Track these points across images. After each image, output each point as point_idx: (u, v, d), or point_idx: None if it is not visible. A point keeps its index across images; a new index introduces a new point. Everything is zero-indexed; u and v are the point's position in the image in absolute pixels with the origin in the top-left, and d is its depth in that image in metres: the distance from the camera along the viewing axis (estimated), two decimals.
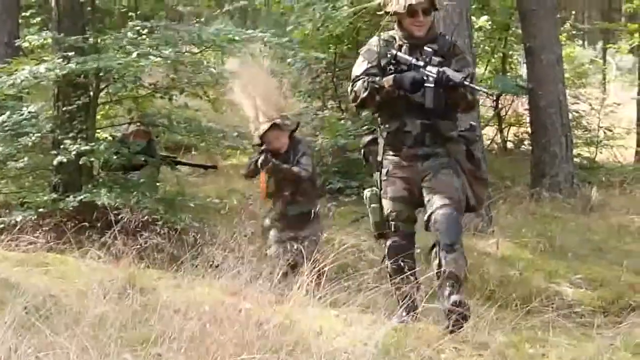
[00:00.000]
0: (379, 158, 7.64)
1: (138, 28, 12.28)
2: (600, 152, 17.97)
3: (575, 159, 15.89)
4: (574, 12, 23.83)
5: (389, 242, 7.61)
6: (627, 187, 15.55)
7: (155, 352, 6.38)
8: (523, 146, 19.05)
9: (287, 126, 9.19)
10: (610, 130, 18.42)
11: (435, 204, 7.21)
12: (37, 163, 11.85)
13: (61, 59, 11.52)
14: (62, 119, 11.96)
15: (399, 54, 7.26)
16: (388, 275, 7.80)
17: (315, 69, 17.84)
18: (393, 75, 7.17)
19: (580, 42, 27.10)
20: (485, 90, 7.40)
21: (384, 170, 7.57)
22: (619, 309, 10.07)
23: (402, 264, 7.34)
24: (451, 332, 7.11)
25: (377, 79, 7.22)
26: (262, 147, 9.31)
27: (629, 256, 12.01)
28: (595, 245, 12.36)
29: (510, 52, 20.02)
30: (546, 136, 15.23)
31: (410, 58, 7.21)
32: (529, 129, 17.89)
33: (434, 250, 7.36)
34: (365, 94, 7.27)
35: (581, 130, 17.71)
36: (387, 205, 7.53)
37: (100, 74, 11.77)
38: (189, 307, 7.63)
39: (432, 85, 7.03)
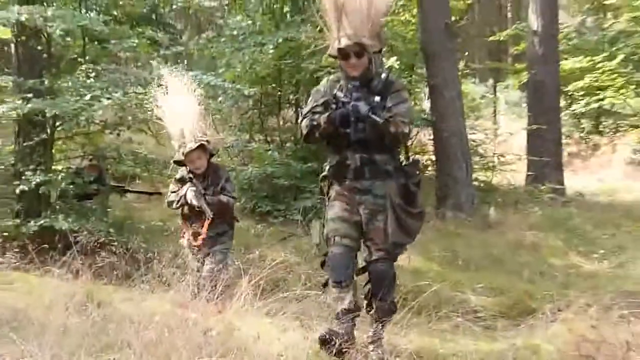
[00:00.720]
0: (325, 189, 7.47)
1: (90, 72, 12.33)
2: (496, 176, 18.11)
3: (474, 182, 16.01)
4: (467, 53, 24.04)
5: (329, 254, 7.23)
6: (520, 207, 15.68)
7: (116, 358, 6.45)
8: (427, 171, 19.16)
9: (210, 149, 9.06)
10: (503, 157, 18.56)
11: (373, 255, 7.06)
12: (0, 192, 11.77)
13: (21, 100, 11.46)
14: (23, 152, 11.90)
15: (337, 93, 7.02)
16: (326, 287, 7.44)
17: (244, 106, 17.90)
18: (328, 113, 7.01)
19: (473, 79, 27.34)
20: (378, 119, 6.62)
21: (328, 198, 7.38)
22: (517, 313, 10.13)
23: (341, 277, 7.03)
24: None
25: (320, 116, 7.07)
26: (184, 173, 9.19)
27: (524, 267, 12.13)
28: (494, 257, 12.44)
29: (416, 89, 20.14)
30: (449, 163, 15.36)
31: (341, 95, 6.98)
32: (432, 157, 18.03)
33: (368, 297, 7.26)
34: (306, 130, 7.16)
35: (478, 157, 17.82)
36: (327, 227, 7.25)
37: (56, 114, 11.67)
38: (143, 318, 7.65)
39: (352, 118, 6.86)
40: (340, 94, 6.94)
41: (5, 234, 11.30)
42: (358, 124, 6.86)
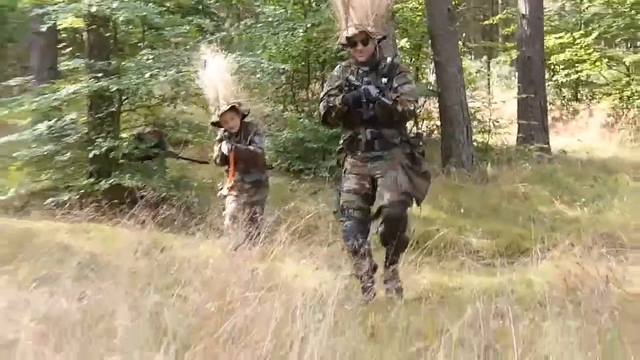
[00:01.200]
0: (341, 161, 7.37)
1: (148, 54, 12.35)
2: (491, 138, 18.02)
3: (473, 143, 15.93)
4: (464, 34, 24.08)
5: (343, 226, 7.19)
6: (512, 163, 15.61)
7: (178, 294, 6.47)
8: (433, 135, 19.05)
9: (241, 110, 8.95)
10: (497, 122, 18.47)
11: (385, 199, 6.91)
12: (77, 157, 11.85)
13: (92, 79, 11.60)
14: (94, 123, 12.04)
15: (349, 77, 6.95)
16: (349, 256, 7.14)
17: (278, 82, 17.90)
18: (342, 95, 6.92)
19: (470, 57, 27.27)
20: (387, 102, 6.66)
21: (343, 170, 7.28)
22: (512, 253, 10.11)
23: (355, 245, 6.94)
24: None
25: (335, 98, 6.97)
26: (222, 133, 9.12)
27: (517, 214, 12.07)
28: (492, 206, 12.40)
29: (423, 65, 20.05)
30: (452, 127, 15.29)
31: (353, 79, 6.94)
32: (437, 122, 17.94)
33: (383, 239, 7.17)
34: (324, 111, 7.05)
35: (476, 122, 17.71)
36: (342, 197, 7.17)
37: (121, 90, 11.83)
38: (199, 260, 7.67)
39: (364, 100, 6.82)
40: (352, 78, 6.87)
41: (82, 191, 11.47)
42: (369, 105, 6.79)
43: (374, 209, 7.16)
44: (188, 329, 5.54)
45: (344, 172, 7.25)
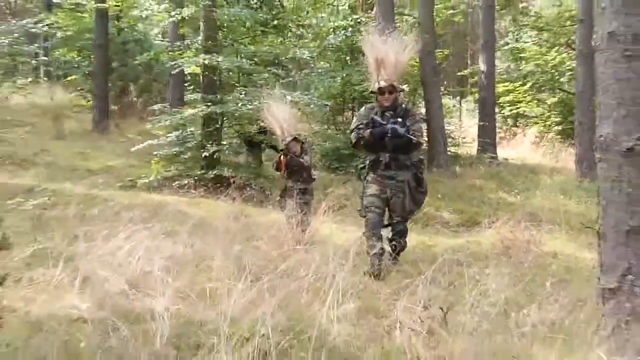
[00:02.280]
0: (363, 176, 7.04)
1: (242, 91, 12.38)
2: (460, 149, 17.85)
3: (448, 153, 15.81)
4: (445, 82, 24.01)
5: (366, 219, 6.79)
6: (473, 166, 15.49)
7: (253, 245, 6.60)
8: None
9: (300, 139, 8.36)
10: (464, 139, 18.39)
11: (394, 219, 6.82)
12: (194, 155, 11.88)
13: (205, 106, 11.63)
14: (205, 134, 11.99)
15: (374, 117, 6.70)
16: (365, 239, 6.84)
17: (324, 110, 17.92)
18: (370, 130, 6.65)
19: (449, 97, 27.06)
20: (413, 138, 6.50)
21: (365, 182, 6.95)
22: (470, 224, 10.04)
23: (373, 233, 6.65)
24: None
25: (364, 131, 6.71)
26: (284, 151, 8.41)
27: (474, 199, 12.01)
28: (458, 194, 12.25)
29: (417, 102, 19.96)
30: (435, 142, 15.17)
31: (379, 119, 6.69)
32: (426, 139, 17.91)
33: (391, 241, 6.84)
34: (355, 140, 6.80)
35: (450, 139, 17.49)
36: (365, 200, 6.86)
37: (223, 113, 11.91)
38: (269, 223, 7.77)
39: (389, 135, 6.57)
40: (377, 118, 6.69)
41: (196, 178, 11.57)
42: (393, 138, 6.59)
43: (385, 220, 7.00)
44: (259, 267, 5.63)
45: (367, 182, 6.96)
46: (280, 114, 8.24)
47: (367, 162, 6.95)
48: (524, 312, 4.95)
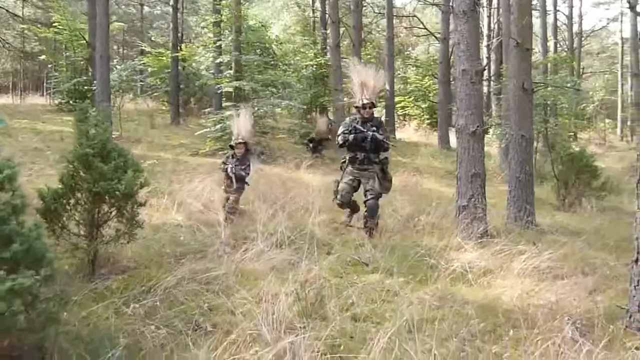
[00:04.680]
0: (343, 167, 7.69)
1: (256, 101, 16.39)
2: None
3: None
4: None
5: (337, 200, 7.56)
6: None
7: (290, 196, 8.45)
8: None
9: (248, 145, 8.57)
10: None
11: (368, 195, 7.32)
12: (229, 137, 15.32)
13: (235, 109, 16.69)
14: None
15: (357, 125, 7.39)
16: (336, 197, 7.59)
17: (300, 111, 21.81)
18: (354, 135, 7.35)
19: None
20: (389, 143, 7.68)
21: (343, 172, 7.64)
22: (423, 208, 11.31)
23: (344, 203, 7.51)
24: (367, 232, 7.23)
25: (350, 136, 7.39)
26: (229, 153, 8.64)
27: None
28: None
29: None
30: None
31: (361, 127, 7.41)
32: None
33: (364, 214, 7.40)
34: (342, 142, 7.44)
35: None
36: (340, 185, 7.50)
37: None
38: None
39: (370, 139, 7.33)
40: (358, 127, 7.38)
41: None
42: (370, 142, 7.33)
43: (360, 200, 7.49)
44: (272, 197, 8.11)
45: (345, 173, 7.54)
46: (242, 121, 8.43)
47: (347, 158, 7.42)
48: (417, 218, 7.65)
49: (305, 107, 19.95)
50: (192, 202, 7.50)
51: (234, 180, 7.85)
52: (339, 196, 7.27)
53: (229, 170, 7.89)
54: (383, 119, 20.61)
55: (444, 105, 20.87)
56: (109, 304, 4.31)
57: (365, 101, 7.31)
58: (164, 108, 22.15)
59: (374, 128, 7.25)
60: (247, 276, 5.08)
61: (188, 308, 4.36)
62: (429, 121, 27.67)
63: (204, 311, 4.33)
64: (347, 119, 7.61)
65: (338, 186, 7.36)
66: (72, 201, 4.94)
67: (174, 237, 6.41)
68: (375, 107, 7.46)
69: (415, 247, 6.20)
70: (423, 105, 28.48)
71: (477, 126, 7.54)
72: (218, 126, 14.72)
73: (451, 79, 19.54)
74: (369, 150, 7.25)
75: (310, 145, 15.89)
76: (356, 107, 7.41)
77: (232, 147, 8.20)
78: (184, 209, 7.43)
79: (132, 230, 5.17)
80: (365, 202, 7.19)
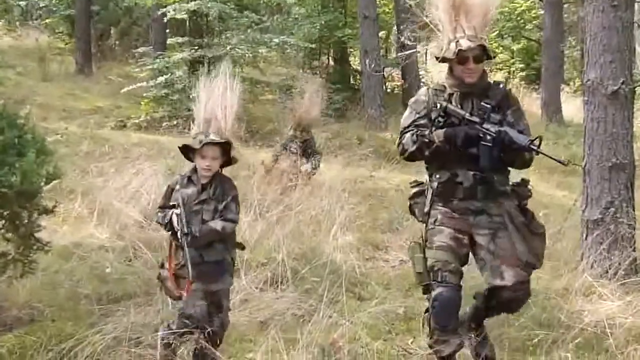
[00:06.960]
0: (426, 209, 3.73)
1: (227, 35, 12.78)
2: None
3: None
4: None
5: (434, 294, 3.49)
6: None
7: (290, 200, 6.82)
8: None
9: (233, 154, 2.95)
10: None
11: (505, 278, 3.47)
12: (180, 97, 11.86)
13: (192, 50, 12.01)
14: (192, 78, 11.68)
15: (449, 106, 3.56)
16: (429, 332, 3.65)
17: (300, 55, 17.99)
18: (444, 130, 3.53)
19: None
20: (557, 158, 3.45)
21: (431, 220, 3.68)
22: None
23: (450, 327, 3.52)
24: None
25: (426, 131, 3.57)
26: (179, 178, 3.43)
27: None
28: None
29: None
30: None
31: (462, 112, 3.54)
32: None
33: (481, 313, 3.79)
34: (414, 147, 3.59)
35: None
36: (431, 255, 3.57)
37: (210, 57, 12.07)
38: None
39: (490, 144, 3.44)
40: (452, 107, 3.59)
41: (184, 119, 11.11)
42: (494, 147, 3.47)
43: (482, 282, 3.74)
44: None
45: (433, 223, 3.68)
46: (217, 92, 3.80)
47: (433, 185, 3.74)
48: None
49: (311, 46, 15.74)
50: (123, 209, 5.41)
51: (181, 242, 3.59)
52: (435, 288, 3.55)
53: (176, 221, 3.59)
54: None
55: (552, 47, 14.58)
56: None
57: (465, 43, 3.54)
58: (63, 46, 16.98)
59: (499, 116, 3.56)
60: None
61: None
62: (524, 73, 20.10)
63: None
64: (421, 91, 3.88)
65: (425, 261, 3.65)
66: None
67: (96, 268, 4.80)
68: (490, 56, 3.68)
69: None
70: (515, 46, 20.49)
71: (622, 82, 5.03)
72: (161, 79, 11.53)
73: None
74: (487, 164, 3.56)
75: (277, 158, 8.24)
76: (444, 58, 3.68)
77: (187, 150, 3.72)
78: (111, 220, 5.37)
79: (28, 256, 3.96)
80: (493, 290, 3.61)
